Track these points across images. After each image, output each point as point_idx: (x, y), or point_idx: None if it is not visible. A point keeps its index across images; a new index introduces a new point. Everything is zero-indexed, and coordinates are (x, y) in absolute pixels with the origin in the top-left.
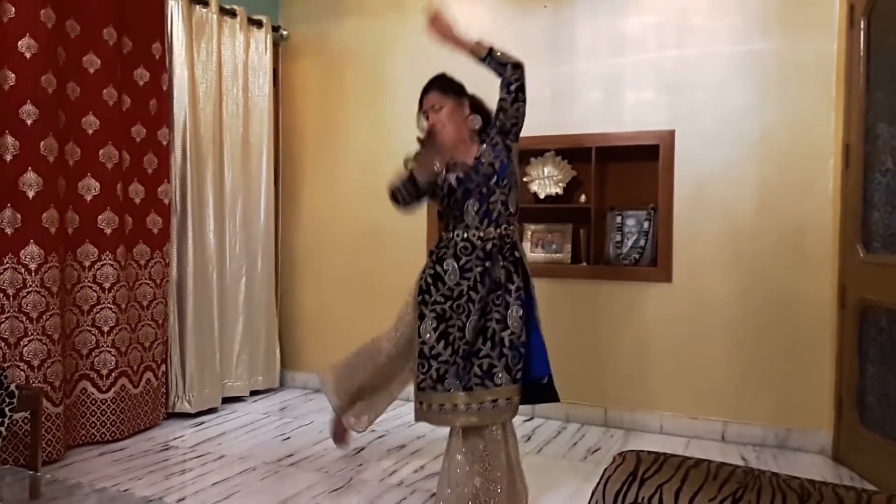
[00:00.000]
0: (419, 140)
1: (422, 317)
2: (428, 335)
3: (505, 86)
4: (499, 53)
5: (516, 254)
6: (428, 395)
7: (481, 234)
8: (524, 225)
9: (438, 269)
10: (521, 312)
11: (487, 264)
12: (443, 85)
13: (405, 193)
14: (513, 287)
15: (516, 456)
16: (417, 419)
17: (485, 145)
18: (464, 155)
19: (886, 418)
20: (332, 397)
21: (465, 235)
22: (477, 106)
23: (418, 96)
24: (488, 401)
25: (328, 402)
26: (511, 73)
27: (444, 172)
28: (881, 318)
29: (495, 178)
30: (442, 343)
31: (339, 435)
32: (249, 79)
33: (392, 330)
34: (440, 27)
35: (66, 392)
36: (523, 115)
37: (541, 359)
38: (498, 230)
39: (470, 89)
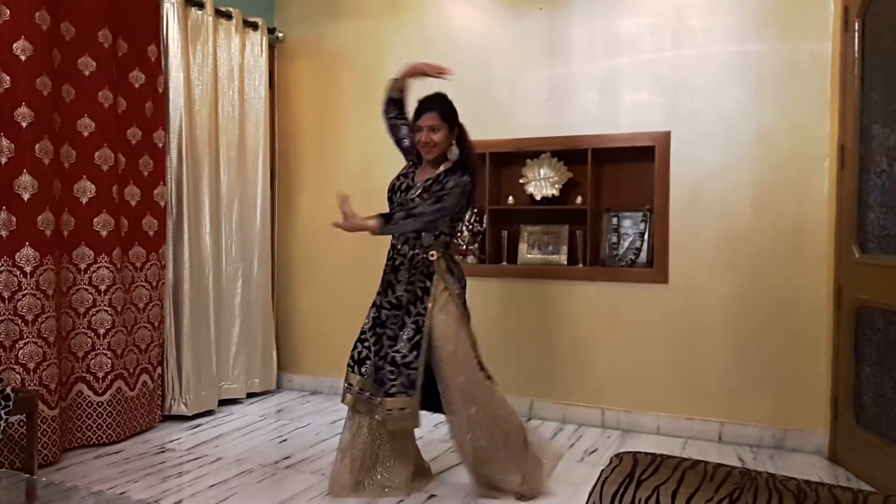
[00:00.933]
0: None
1: (403, 326)
2: (407, 347)
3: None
4: (384, 231)
5: (427, 282)
6: (348, 376)
7: (398, 247)
8: (521, 226)
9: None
10: (411, 334)
11: (391, 278)
12: (446, 111)
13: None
14: (414, 310)
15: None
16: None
17: (441, 177)
18: (422, 172)
19: (882, 419)
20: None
21: (392, 243)
22: (461, 138)
23: (433, 94)
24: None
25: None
26: (397, 227)
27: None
28: (877, 319)
29: (419, 205)
30: (414, 353)
31: None
32: (245, 81)
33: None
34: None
35: (62, 395)
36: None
37: None
38: (412, 251)
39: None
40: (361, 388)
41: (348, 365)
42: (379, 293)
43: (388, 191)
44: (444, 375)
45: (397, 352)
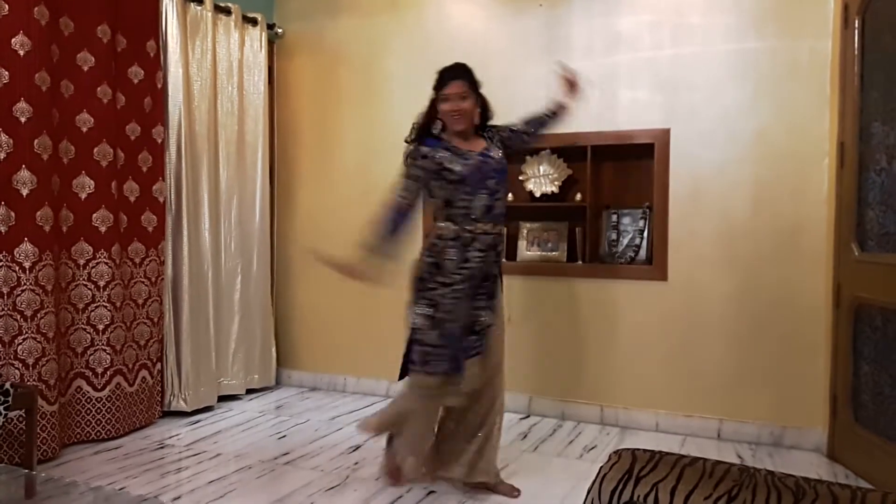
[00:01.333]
0: (406, 141)
1: (415, 303)
2: (418, 320)
3: (534, 126)
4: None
5: (502, 254)
6: (417, 379)
7: (486, 227)
8: (520, 223)
9: (438, 259)
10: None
11: (488, 257)
12: (471, 78)
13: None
14: (499, 282)
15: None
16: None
17: (492, 142)
18: (469, 146)
19: (881, 416)
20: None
21: (470, 228)
22: (483, 105)
23: (456, 63)
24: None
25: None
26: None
27: (446, 163)
28: (876, 317)
29: (498, 177)
30: (433, 329)
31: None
32: (244, 77)
33: None
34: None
35: (61, 390)
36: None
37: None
38: (497, 227)
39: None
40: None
41: (421, 371)
42: (448, 283)
43: (454, 182)
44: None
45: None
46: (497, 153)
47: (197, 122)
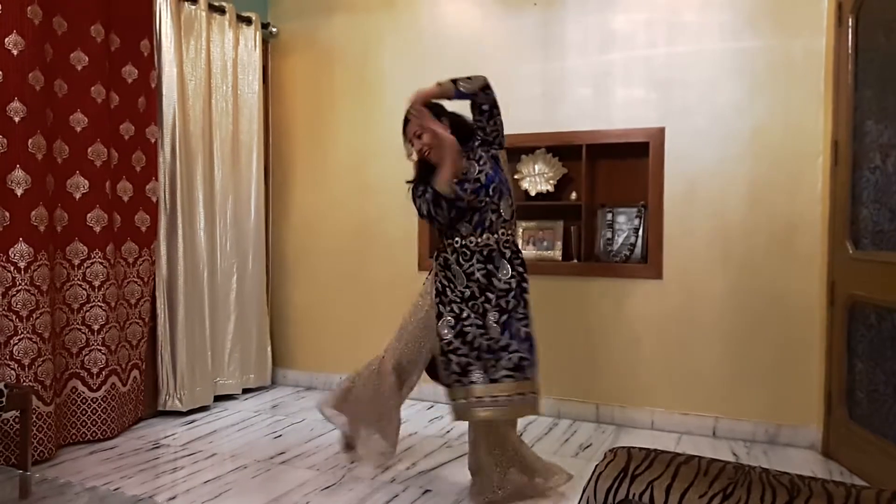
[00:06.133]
0: (415, 163)
1: (440, 316)
2: (446, 332)
3: (477, 108)
4: (463, 87)
5: (520, 256)
6: (454, 391)
7: (478, 240)
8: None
9: (448, 273)
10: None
11: (490, 267)
12: (415, 114)
13: (444, 211)
14: (525, 285)
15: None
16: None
17: (470, 160)
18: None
19: (875, 414)
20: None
21: (463, 242)
22: (455, 124)
23: (407, 96)
24: (516, 393)
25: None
26: (482, 97)
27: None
28: (870, 315)
29: (483, 190)
30: (460, 340)
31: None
32: (239, 76)
33: (395, 342)
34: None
35: (57, 391)
36: (501, 124)
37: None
38: (494, 236)
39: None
40: (494, 396)
41: (458, 382)
42: (464, 298)
43: (452, 205)
44: None
45: (527, 327)
46: (474, 171)
47: (191, 121)
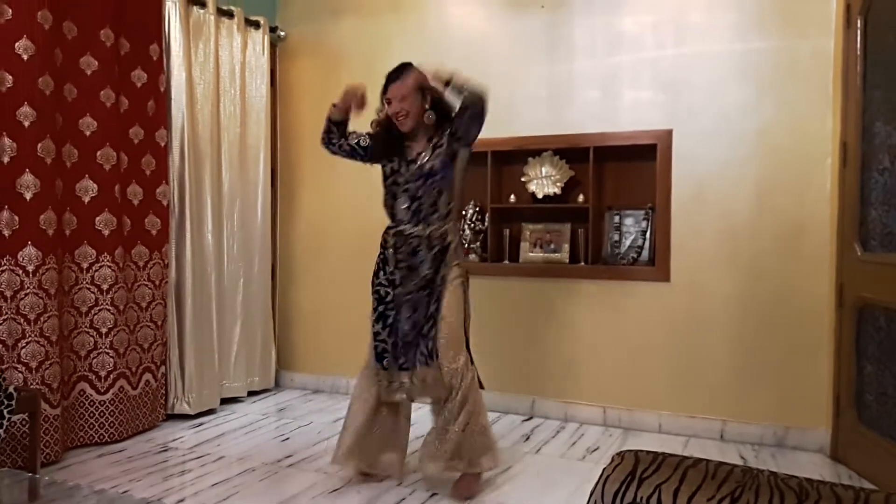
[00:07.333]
0: (377, 123)
1: (371, 297)
2: (371, 314)
3: (458, 115)
4: (455, 90)
5: (445, 255)
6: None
7: (413, 230)
8: (523, 225)
9: (384, 255)
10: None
11: (413, 261)
12: (407, 75)
13: (326, 129)
14: (440, 282)
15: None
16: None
17: (430, 145)
18: (411, 148)
19: (884, 416)
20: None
21: (399, 229)
22: (438, 103)
23: (399, 64)
24: (429, 378)
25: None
26: (469, 103)
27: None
28: (879, 317)
29: (424, 178)
30: (380, 324)
31: None
32: (247, 80)
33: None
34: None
35: (65, 394)
36: (469, 128)
37: None
38: (427, 229)
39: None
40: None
41: (377, 363)
42: (392, 282)
43: (386, 179)
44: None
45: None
46: (426, 159)
47: (200, 125)
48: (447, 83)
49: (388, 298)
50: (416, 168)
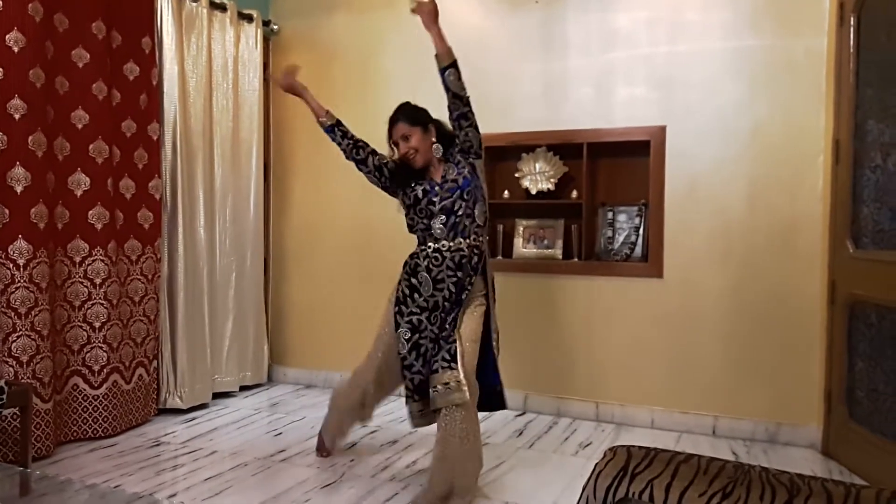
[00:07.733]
0: (394, 161)
1: (398, 327)
2: (402, 346)
3: (449, 113)
4: (451, 78)
5: (485, 265)
6: (410, 405)
7: (451, 244)
8: (516, 220)
9: (413, 280)
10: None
11: (459, 274)
12: (410, 115)
13: (338, 143)
14: (481, 296)
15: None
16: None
17: (449, 163)
18: (433, 175)
19: (875, 413)
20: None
21: (436, 247)
22: (440, 131)
23: (397, 106)
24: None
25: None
26: (451, 101)
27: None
28: (870, 314)
29: (458, 191)
30: (414, 354)
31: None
32: (240, 73)
33: (374, 352)
34: (429, 9)
35: (57, 388)
36: (475, 137)
37: (495, 368)
38: (467, 241)
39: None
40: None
41: (411, 398)
42: (427, 307)
43: (419, 202)
44: None
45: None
46: (454, 173)
47: (192, 118)
48: (445, 62)
49: (423, 326)
50: (449, 184)
